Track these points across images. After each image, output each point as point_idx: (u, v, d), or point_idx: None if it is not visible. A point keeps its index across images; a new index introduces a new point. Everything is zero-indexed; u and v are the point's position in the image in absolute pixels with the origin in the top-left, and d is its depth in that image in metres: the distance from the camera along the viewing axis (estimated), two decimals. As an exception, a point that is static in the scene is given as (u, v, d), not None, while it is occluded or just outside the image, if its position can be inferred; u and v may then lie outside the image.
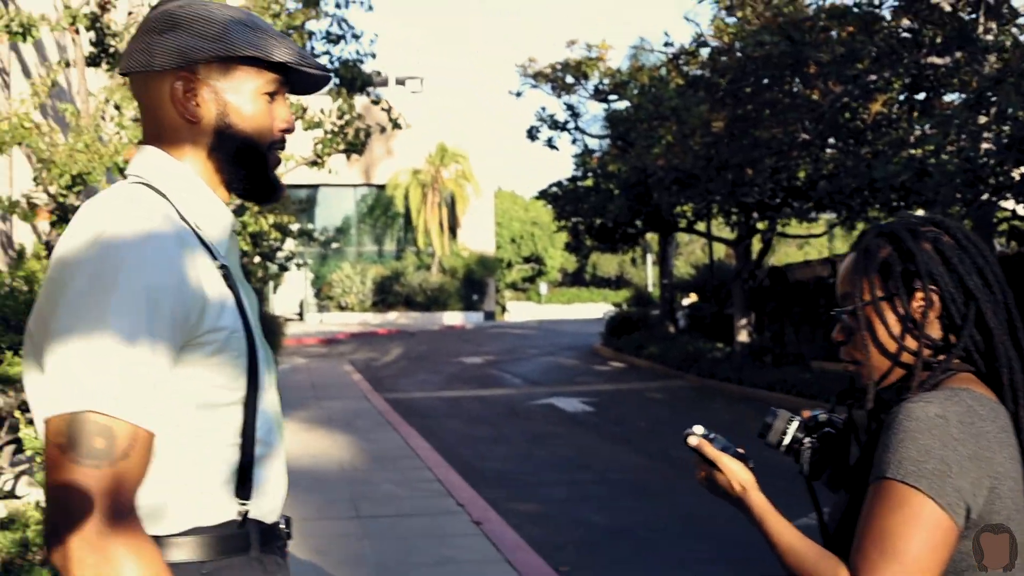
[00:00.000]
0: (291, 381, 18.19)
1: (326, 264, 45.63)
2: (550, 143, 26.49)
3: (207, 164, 1.71)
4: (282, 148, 1.78)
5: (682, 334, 25.49)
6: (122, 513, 1.41)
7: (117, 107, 8.64)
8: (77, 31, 8.85)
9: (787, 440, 1.93)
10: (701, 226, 25.37)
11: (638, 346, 24.32)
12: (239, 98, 1.69)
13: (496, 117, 59.98)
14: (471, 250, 45.96)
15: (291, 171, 11.28)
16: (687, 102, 19.85)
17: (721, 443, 1.86)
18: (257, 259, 14.09)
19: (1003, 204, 13.63)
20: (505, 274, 56.23)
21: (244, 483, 1.63)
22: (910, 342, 1.76)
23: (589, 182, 25.66)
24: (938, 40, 14.30)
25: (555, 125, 26.16)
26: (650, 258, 48.47)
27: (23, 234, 9.76)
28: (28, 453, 4.64)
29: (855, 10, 14.56)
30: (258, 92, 1.70)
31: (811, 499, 1.94)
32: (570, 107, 26.31)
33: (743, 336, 21.67)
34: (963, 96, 13.14)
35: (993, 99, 11.91)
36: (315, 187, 42.79)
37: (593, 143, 27.78)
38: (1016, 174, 12.19)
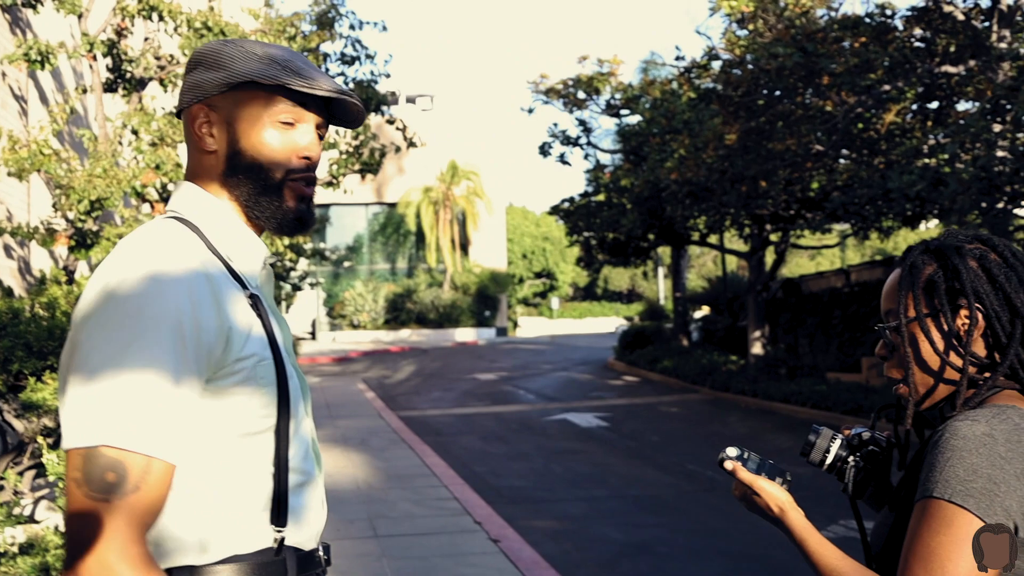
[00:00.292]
0: (305, 399, 18.09)
1: (338, 283, 45.71)
2: (562, 159, 26.50)
3: (226, 194, 1.72)
4: (305, 179, 1.74)
5: (696, 347, 25.41)
6: (133, 545, 1.43)
7: (135, 132, 8.66)
8: (95, 57, 8.89)
9: (830, 459, 1.89)
10: (714, 239, 25.33)
11: (652, 360, 24.25)
12: (248, 125, 1.69)
13: (507, 133, 60.08)
14: (483, 266, 45.98)
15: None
16: (699, 115, 19.85)
17: (755, 462, 1.82)
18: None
19: (1018, 212, 13.54)
20: (517, 289, 56.26)
21: (280, 510, 1.62)
22: (955, 359, 1.73)
23: (601, 197, 25.64)
24: (952, 49, 14.26)
25: (567, 141, 26.17)
26: (661, 271, 48.42)
27: (40, 259, 9.77)
28: (51, 478, 4.62)
29: (867, 20, 14.53)
30: (272, 119, 1.69)
31: (855, 518, 1.90)
32: (582, 122, 26.33)
33: (757, 348, 21.57)
34: (977, 104, 13.08)
35: (1008, 107, 11.84)
36: (327, 206, 42.97)
37: (605, 158, 27.83)
38: (1032, 183, 12.12)
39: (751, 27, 16.76)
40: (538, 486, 10.42)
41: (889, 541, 1.72)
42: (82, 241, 7.94)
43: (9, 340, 5.18)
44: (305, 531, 1.68)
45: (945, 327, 1.74)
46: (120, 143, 10.06)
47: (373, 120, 11.75)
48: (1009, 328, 1.71)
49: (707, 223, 22.28)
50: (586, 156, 26.98)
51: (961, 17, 13.71)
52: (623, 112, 25.89)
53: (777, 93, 15.43)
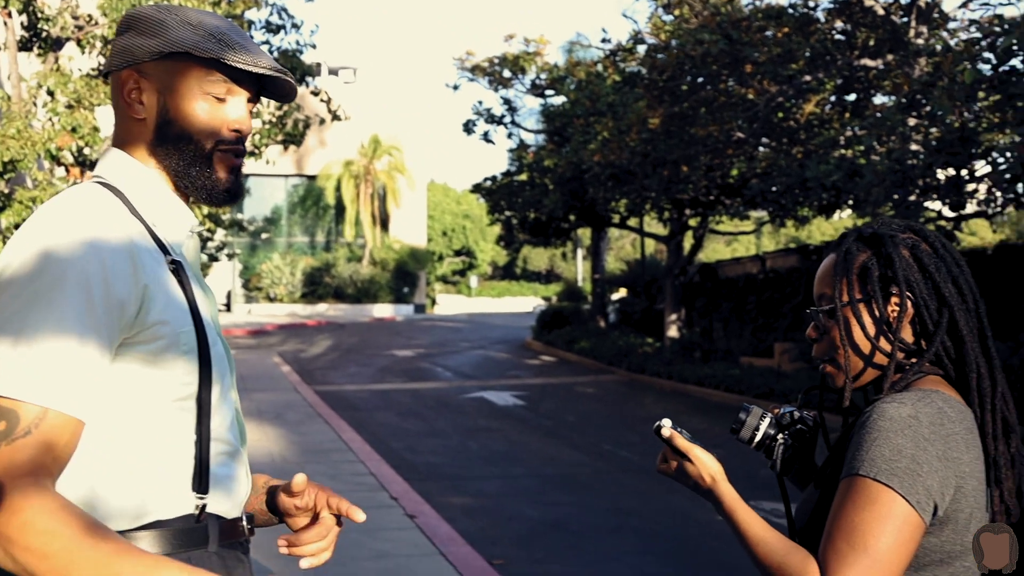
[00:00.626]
0: (219, 372, 17.87)
1: (255, 255, 45.12)
2: (486, 137, 26.49)
3: (153, 162, 1.70)
4: (234, 151, 1.73)
5: (613, 329, 25.67)
6: (19, 475, 1.38)
7: (50, 93, 8.43)
8: (9, 14, 8.62)
9: (759, 436, 1.93)
10: (634, 222, 25.57)
11: (569, 340, 24.43)
12: (178, 96, 1.68)
13: (430, 109, 59.81)
14: (403, 242, 45.78)
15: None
16: (624, 98, 19.99)
17: (687, 437, 1.86)
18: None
19: (929, 205, 13.91)
20: (436, 267, 56.16)
21: (202, 478, 1.61)
22: (884, 344, 1.79)
23: (524, 176, 25.71)
24: (871, 43, 14.56)
25: (491, 119, 26.17)
26: (580, 253, 48.79)
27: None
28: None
29: (790, 11, 14.75)
30: (202, 91, 1.68)
31: (781, 494, 1.94)
32: (507, 101, 26.34)
33: (673, 331, 21.87)
34: (894, 98, 13.38)
35: (923, 102, 12.13)
36: (246, 176, 42.23)
37: (529, 138, 27.86)
38: (942, 176, 12.45)
39: (677, 12, 16.90)
40: (454, 463, 10.45)
41: (814, 517, 1.77)
42: (-8, 202, 7.72)
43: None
44: (228, 500, 1.67)
45: (877, 313, 1.79)
46: (35, 104, 9.78)
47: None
48: (936, 316, 1.76)
49: (628, 206, 22.49)
50: (510, 135, 27.02)
51: (881, 12, 13.99)
52: (548, 93, 25.96)
53: (700, 79, 15.59)
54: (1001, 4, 12.70)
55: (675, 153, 16.64)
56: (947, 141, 11.28)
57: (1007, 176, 10.08)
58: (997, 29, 10.74)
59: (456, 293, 60.22)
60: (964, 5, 14.72)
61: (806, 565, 1.63)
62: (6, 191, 8.18)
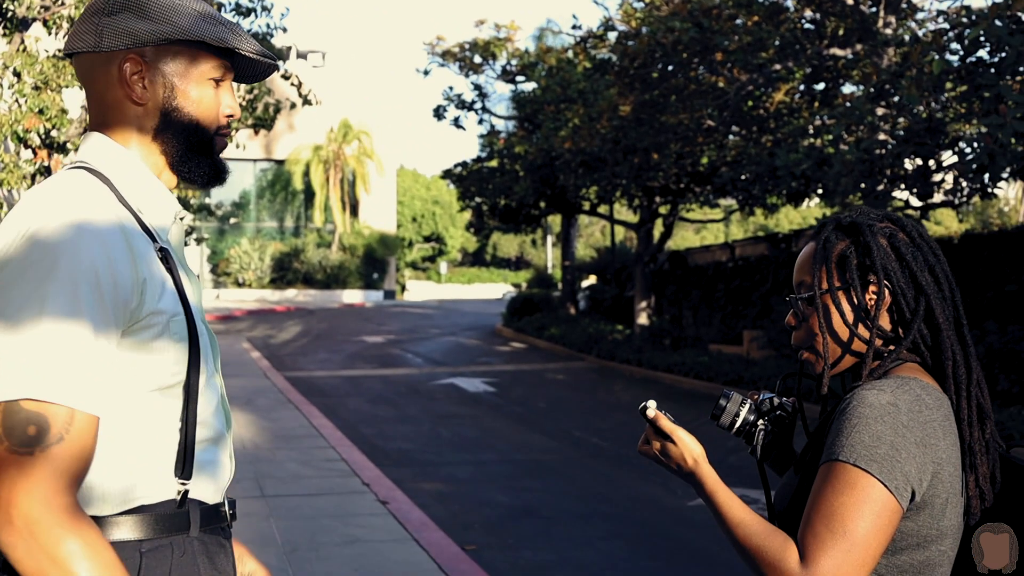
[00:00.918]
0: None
1: (223, 239, 44.83)
2: (457, 123, 26.45)
3: (152, 147, 1.70)
4: (227, 134, 1.77)
5: (583, 316, 25.73)
6: (58, 496, 1.40)
7: (17, 74, 8.32)
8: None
9: (739, 422, 1.95)
10: (604, 209, 25.61)
11: (539, 327, 24.48)
12: (186, 82, 1.69)
13: (400, 95, 59.54)
14: (372, 228, 45.64)
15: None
16: (594, 85, 20.00)
17: (671, 419, 1.88)
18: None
19: (897, 195, 14.03)
20: (406, 253, 56.06)
21: (185, 463, 1.62)
22: (862, 331, 1.82)
23: (494, 163, 25.68)
24: (840, 32, 14.65)
25: (462, 105, 26.12)
26: (550, 239, 48.81)
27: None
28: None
29: (760, 0, 14.81)
30: (204, 77, 1.70)
31: (761, 480, 1.97)
32: (477, 87, 26.29)
33: (643, 319, 21.96)
34: (862, 88, 13.49)
35: (892, 92, 12.23)
36: (214, 160, 41.84)
37: (500, 124, 27.82)
38: (910, 166, 12.56)
39: (647, 0, 16.93)
40: (426, 449, 10.46)
41: (793, 502, 1.80)
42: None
43: None
44: (211, 486, 1.68)
45: (855, 301, 1.82)
46: (1, 85, 9.67)
47: (267, 75, 11.51)
48: (913, 305, 1.80)
49: (598, 193, 22.53)
50: (480, 121, 26.98)
51: (850, 2, 14.08)
52: (519, 79, 25.93)
53: (671, 67, 15.63)
54: (969, -5, 12.83)
55: (645, 141, 16.68)
56: (915, 131, 11.38)
57: (974, 166, 10.19)
58: (965, 20, 10.83)
59: (426, 279, 60.13)
60: (932, -4, 14.85)
61: (785, 548, 1.66)
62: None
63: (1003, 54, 10.11)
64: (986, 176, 10.96)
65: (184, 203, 13.84)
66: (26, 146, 9.03)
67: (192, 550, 1.62)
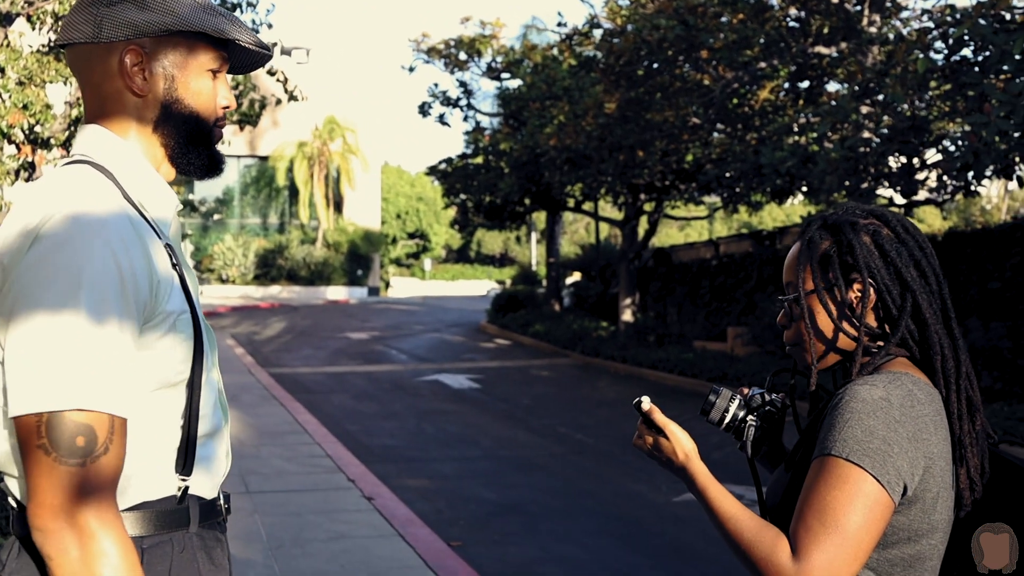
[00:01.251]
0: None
1: (207, 235, 44.65)
2: (442, 119, 26.41)
3: (152, 139, 1.69)
4: (223, 125, 1.77)
5: (567, 313, 25.74)
6: (109, 509, 1.44)
7: (1, 69, 8.25)
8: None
9: (728, 418, 1.96)
10: (588, 206, 25.64)
11: (524, 324, 24.48)
12: (186, 73, 1.68)
13: (385, 91, 59.43)
14: (356, 225, 45.52)
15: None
16: (580, 83, 20.00)
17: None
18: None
19: (881, 192, 14.09)
20: (390, 249, 55.97)
21: (187, 459, 1.62)
22: (849, 329, 1.82)
23: (479, 159, 25.66)
24: (825, 30, 14.69)
25: (447, 101, 26.09)
26: (534, 236, 48.78)
27: None
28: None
29: (746, -3, 14.84)
30: (203, 68, 1.69)
31: (752, 475, 1.98)
32: (463, 84, 26.27)
33: (627, 316, 21.99)
34: (847, 86, 13.53)
35: (877, 90, 12.28)
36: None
37: (485, 121, 27.79)
38: (894, 164, 12.62)
39: (633, -3, 16.95)
40: (410, 445, 10.46)
41: (785, 497, 1.80)
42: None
43: None
44: (209, 481, 1.68)
45: (839, 299, 1.82)
46: (-17, 81, 9.60)
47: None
48: (899, 301, 1.80)
49: (583, 190, 22.54)
50: (465, 118, 26.95)
51: (835, 0, 14.12)
52: (504, 76, 25.93)
53: (656, 65, 15.65)
54: (953, -6, 12.88)
55: (631, 138, 16.70)
56: (899, 129, 11.43)
57: (958, 164, 10.24)
58: (949, 19, 10.89)
59: (410, 276, 60.04)
60: (916, -6, 14.92)
61: (777, 542, 1.67)
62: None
63: (987, 53, 10.17)
64: (970, 174, 11.02)
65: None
66: (10, 141, 8.97)
67: (192, 546, 1.62)
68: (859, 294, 1.81)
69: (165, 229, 1.68)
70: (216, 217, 45.32)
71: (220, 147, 1.78)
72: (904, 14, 15.16)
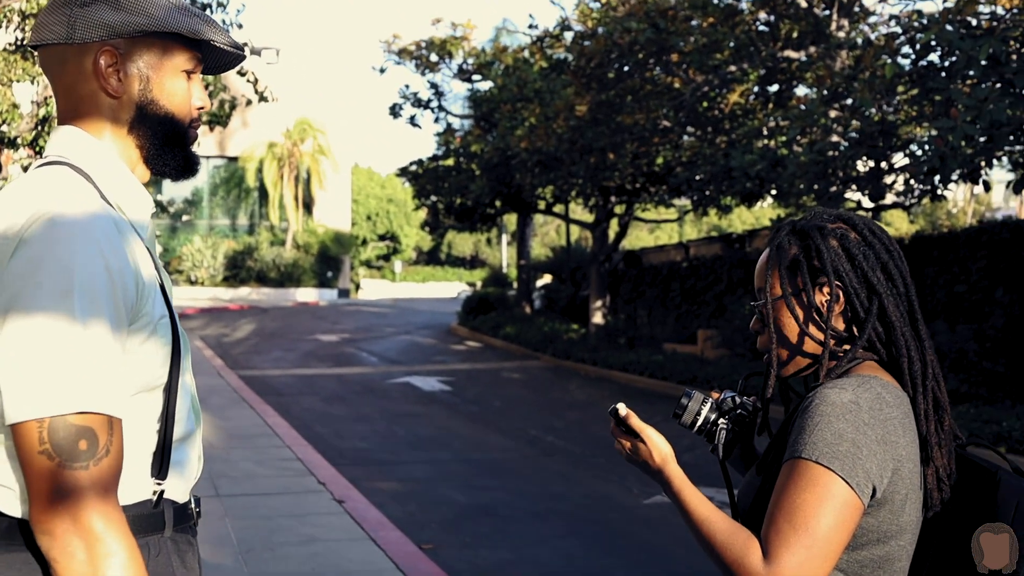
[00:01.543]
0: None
1: (176, 236, 44.35)
2: (412, 121, 26.39)
3: (127, 141, 1.69)
4: (198, 126, 1.77)
5: (538, 315, 25.78)
6: (115, 510, 1.45)
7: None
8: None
9: (700, 421, 1.97)
10: (559, 208, 25.67)
11: (494, 326, 24.49)
12: (161, 74, 1.68)
13: (355, 92, 59.23)
14: (326, 226, 45.36)
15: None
16: (551, 85, 20.04)
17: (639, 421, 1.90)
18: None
19: (849, 196, 14.21)
20: (360, 251, 55.78)
21: (162, 464, 1.62)
22: (816, 333, 1.84)
23: (450, 161, 25.65)
24: (794, 35, 14.81)
25: (418, 103, 26.06)
26: (505, 238, 48.81)
27: None
28: None
29: (716, 1, 14.93)
30: (178, 69, 1.69)
31: (724, 478, 1.99)
32: (434, 85, 26.25)
33: (598, 318, 22.05)
34: (816, 90, 13.64)
35: (845, 95, 12.39)
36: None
37: (456, 122, 27.78)
38: (862, 167, 12.73)
39: (604, 0, 17.01)
40: (381, 448, 10.44)
41: (757, 500, 1.82)
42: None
43: None
44: (182, 484, 1.68)
45: (807, 304, 1.85)
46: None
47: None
48: (867, 304, 1.82)
49: (554, 192, 22.58)
50: (436, 120, 26.94)
51: (804, 4, 14.24)
52: (475, 77, 25.94)
53: (627, 67, 15.72)
54: None
55: (602, 140, 16.75)
56: (867, 133, 11.53)
57: (925, 169, 10.34)
58: (916, 24, 11.00)
59: (380, 278, 59.91)
60: (884, 0, 15.05)
61: (749, 545, 1.68)
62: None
63: (954, 58, 10.28)
64: (936, 178, 11.14)
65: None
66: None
67: (166, 550, 1.62)
68: (827, 298, 1.83)
69: (142, 232, 1.67)
70: (185, 218, 45.05)
71: (194, 148, 1.78)
72: (872, 19, 15.33)
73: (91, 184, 1.60)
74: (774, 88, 16.15)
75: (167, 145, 1.70)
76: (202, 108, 1.76)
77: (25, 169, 11.70)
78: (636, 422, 1.89)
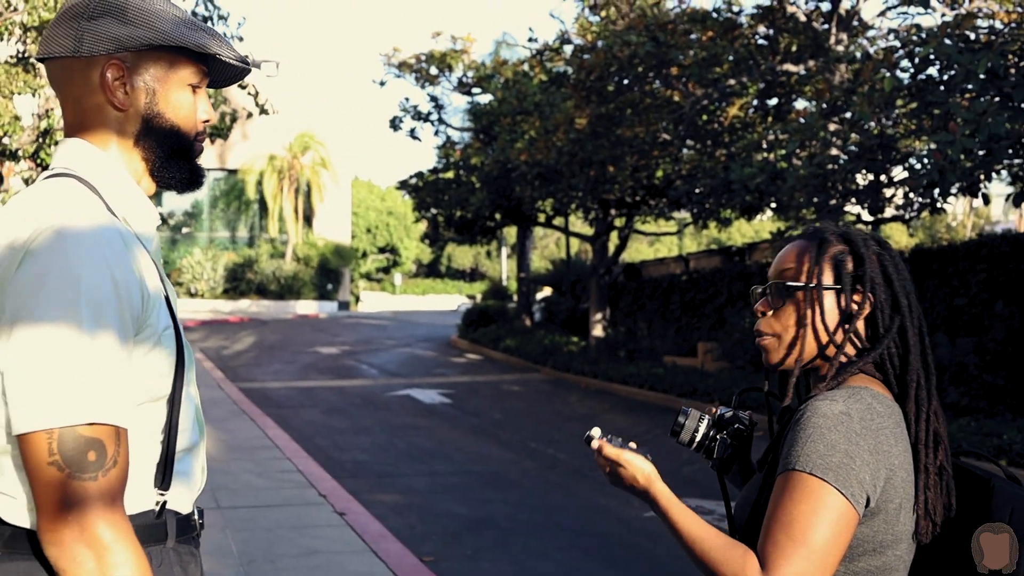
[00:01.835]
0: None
1: (176, 249, 44.36)
2: (413, 134, 26.44)
3: (133, 153, 1.70)
4: (203, 139, 1.78)
5: (538, 328, 25.78)
6: (123, 520, 1.47)
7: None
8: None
9: (699, 437, 1.98)
10: (559, 221, 25.71)
11: (495, 339, 24.49)
12: (167, 88, 1.69)
13: (355, 105, 59.42)
14: (326, 239, 45.38)
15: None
16: (551, 98, 20.09)
17: (617, 443, 1.89)
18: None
19: (848, 209, 14.24)
20: (360, 264, 55.81)
21: (165, 474, 1.63)
22: (835, 331, 1.86)
23: (450, 174, 25.69)
24: (793, 48, 14.86)
25: (418, 116, 26.12)
26: (505, 251, 48.83)
27: None
28: None
29: (715, 15, 14.99)
30: (184, 83, 1.70)
31: (722, 493, 2.01)
32: (434, 98, 26.31)
33: (598, 331, 22.05)
34: (815, 104, 13.69)
35: (844, 108, 12.42)
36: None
37: (456, 135, 27.84)
38: (861, 181, 12.76)
39: (603, 14, 17.08)
40: (382, 461, 10.44)
41: (753, 514, 1.84)
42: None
43: None
44: (185, 495, 1.69)
45: (843, 304, 1.87)
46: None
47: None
48: (888, 322, 1.86)
49: (554, 205, 22.61)
50: (436, 132, 26.99)
51: (803, 18, 14.29)
52: (475, 90, 26.00)
53: (627, 81, 15.76)
54: (919, 14, 13.04)
55: (601, 153, 16.79)
56: (867, 147, 11.57)
57: (924, 182, 10.37)
58: (915, 38, 11.04)
59: (380, 290, 59.94)
60: (883, 14, 15.11)
61: (745, 559, 1.70)
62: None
63: (952, 72, 10.31)
64: (936, 192, 11.16)
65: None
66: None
67: (169, 560, 1.63)
68: (857, 304, 1.85)
69: (148, 244, 1.68)
70: (185, 230, 45.07)
71: (199, 161, 1.80)
72: (871, 33, 15.38)
73: (97, 196, 1.61)
74: (773, 101, 16.20)
75: (172, 158, 1.72)
76: (207, 121, 1.77)
77: (27, 181, 11.73)
78: (610, 451, 1.88)
